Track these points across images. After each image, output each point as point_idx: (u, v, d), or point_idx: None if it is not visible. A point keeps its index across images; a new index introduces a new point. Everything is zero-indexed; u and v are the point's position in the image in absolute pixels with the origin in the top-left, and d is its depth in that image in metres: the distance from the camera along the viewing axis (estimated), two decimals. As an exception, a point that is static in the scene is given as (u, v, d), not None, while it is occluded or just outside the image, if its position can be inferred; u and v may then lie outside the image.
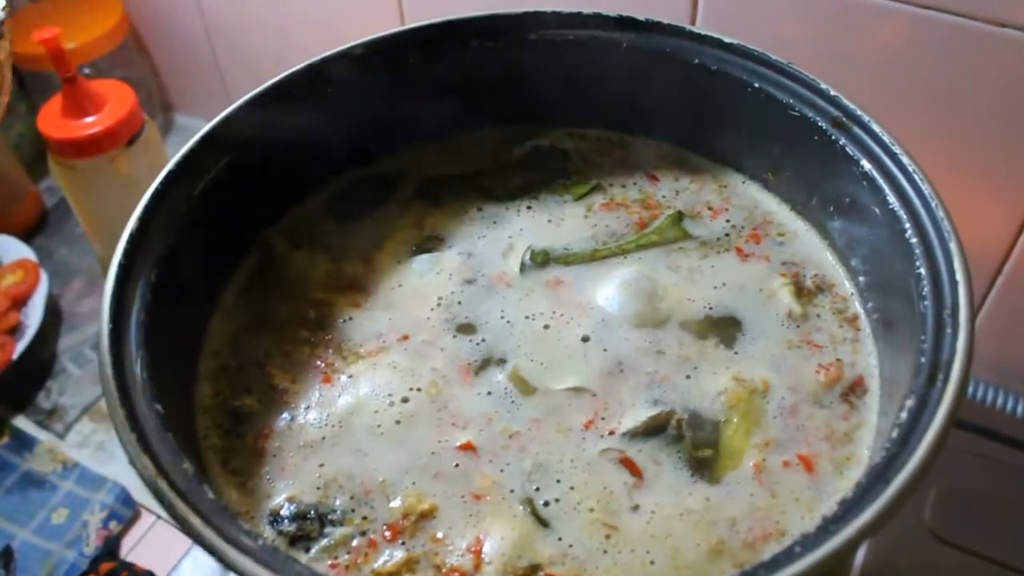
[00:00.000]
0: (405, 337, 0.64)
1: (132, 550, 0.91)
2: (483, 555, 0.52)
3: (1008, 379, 0.93)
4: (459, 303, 0.66)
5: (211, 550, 0.44)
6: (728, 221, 0.71)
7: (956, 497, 0.80)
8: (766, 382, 0.60)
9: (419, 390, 0.61)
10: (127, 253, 0.57)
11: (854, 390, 0.59)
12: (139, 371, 0.52)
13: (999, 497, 0.83)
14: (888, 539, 0.77)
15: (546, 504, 0.55)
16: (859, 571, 0.76)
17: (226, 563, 0.43)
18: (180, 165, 0.62)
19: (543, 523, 0.54)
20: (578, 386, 0.60)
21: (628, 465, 0.56)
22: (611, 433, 0.58)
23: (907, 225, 0.56)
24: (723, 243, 0.69)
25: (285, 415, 0.60)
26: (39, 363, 1.06)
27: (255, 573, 0.43)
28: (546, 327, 0.64)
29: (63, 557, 0.89)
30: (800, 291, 0.65)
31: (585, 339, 0.63)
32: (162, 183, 0.61)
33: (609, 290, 0.65)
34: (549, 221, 0.71)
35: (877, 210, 0.59)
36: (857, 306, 0.64)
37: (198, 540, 0.45)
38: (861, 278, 0.64)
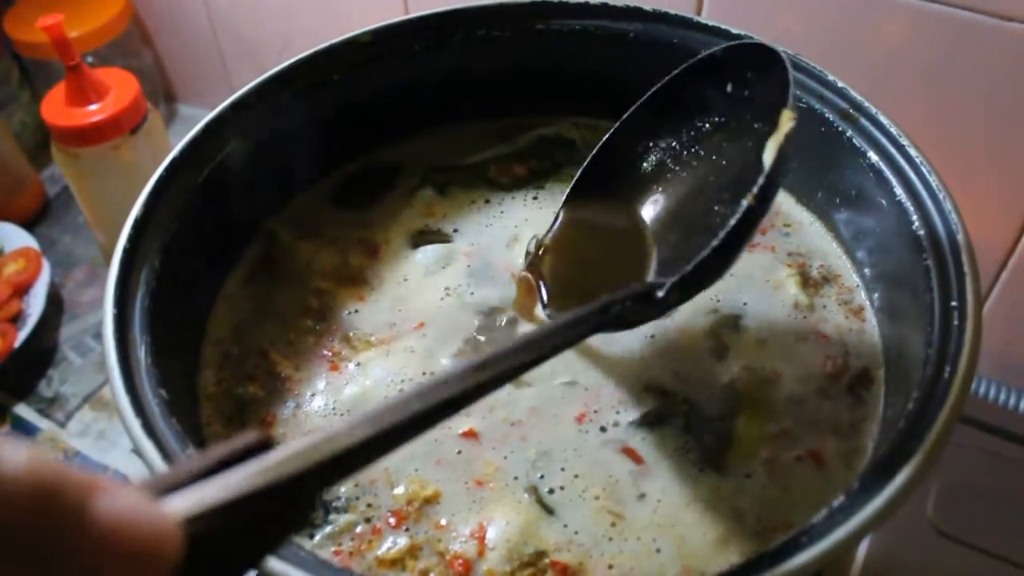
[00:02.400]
0: (419, 326, 0.64)
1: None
2: (487, 541, 0.52)
3: (1010, 375, 0.93)
4: (472, 293, 0.66)
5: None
6: (734, 212, 0.70)
7: (958, 492, 0.80)
8: (776, 372, 0.60)
9: (431, 375, 0.60)
10: (132, 239, 0.57)
11: (860, 382, 0.59)
12: (143, 357, 0.52)
13: (1001, 492, 0.83)
14: (890, 533, 0.77)
15: (551, 492, 0.54)
16: (861, 565, 0.76)
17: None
18: (185, 152, 0.62)
19: (548, 510, 0.54)
20: (583, 374, 0.60)
21: (632, 455, 0.56)
22: (615, 424, 0.58)
23: (914, 217, 0.56)
24: (728, 233, 0.69)
25: (290, 403, 0.60)
26: (41, 352, 1.06)
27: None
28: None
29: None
30: (806, 282, 0.65)
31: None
32: (167, 170, 0.61)
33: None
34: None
35: (884, 202, 0.59)
36: (863, 297, 0.64)
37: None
38: (867, 269, 0.64)
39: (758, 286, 0.65)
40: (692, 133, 0.62)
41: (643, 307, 0.52)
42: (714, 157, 0.60)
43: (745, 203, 0.49)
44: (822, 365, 0.60)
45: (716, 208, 0.56)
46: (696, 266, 0.50)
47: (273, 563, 0.42)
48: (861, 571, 0.75)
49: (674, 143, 0.62)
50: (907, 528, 0.78)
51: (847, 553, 0.71)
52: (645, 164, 0.63)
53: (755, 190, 0.49)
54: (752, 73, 0.57)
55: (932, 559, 0.77)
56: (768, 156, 0.51)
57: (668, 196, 0.62)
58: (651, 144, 0.63)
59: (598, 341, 0.62)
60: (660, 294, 0.51)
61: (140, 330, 0.53)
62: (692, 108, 0.61)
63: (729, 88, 0.59)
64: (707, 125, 0.61)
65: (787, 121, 0.51)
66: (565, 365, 0.61)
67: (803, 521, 0.52)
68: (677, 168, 0.62)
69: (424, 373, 0.61)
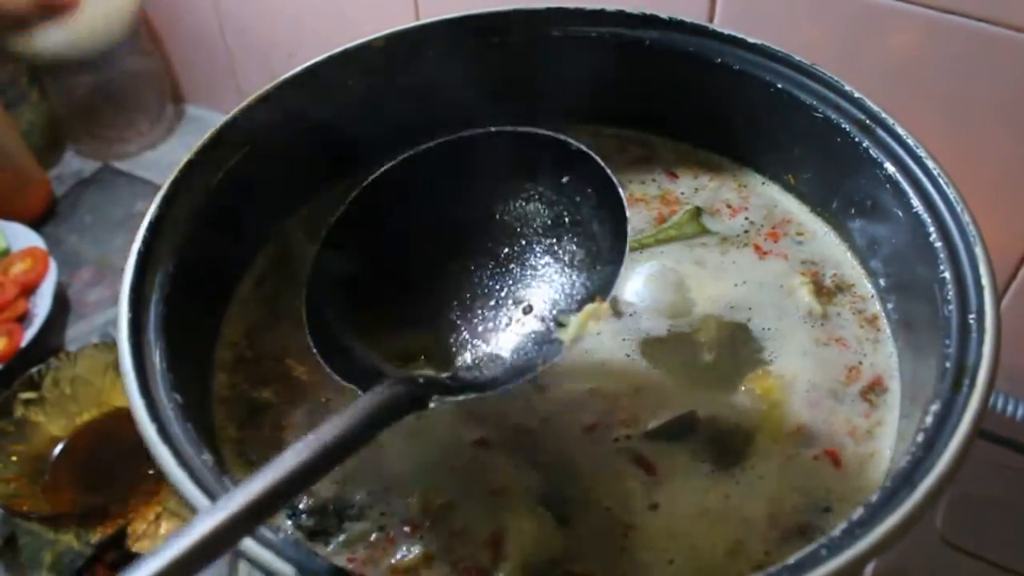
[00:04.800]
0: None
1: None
2: (500, 550, 0.52)
3: (1020, 387, 0.93)
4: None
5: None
6: (747, 219, 0.70)
7: (968, 504, 0.80)
8: (791, 377, 0.60)
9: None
10: (146, 242, 0.56)
11: (873, 389, 0.59)
12: (158, 361, 0.52)
13: (1010, 504, 0.83)
14: (899, 545, 0.76)
15: (564, 501, 0.54)
16: (870, 576, 0.76)
17: (248, 557, 0.43)
18: (200, 154, 0.62)
19: (561, 520, 0.53)
20: (598, 384, 0.60)
21: (644, 465, 0.56)
22: (627, 437, 0.57)
23: (931, 229, 0.56)
24: (742, 239, 0.69)
25: (304, 407, 0.59)
26: (47, 351, 1.06)
27: (277, 567, 0.42)
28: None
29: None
30: (820, 290, 0.65)
31: (608, 331, 0.63)
32: (181, 172, 0.60)
33: (636, 284, 0.65)
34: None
35: (900, 213, 0.59)
36: (877, 307, 0.64)
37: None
38: (881, 280, 0.64)
39: (771, 293, 0.65)
40: (519, 201, 0.59)
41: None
42: (527, 241, 0.58)
43: (538, 371, 0.51)
44: (835, 371, 0.60)
45: (513, 317, 0.56)
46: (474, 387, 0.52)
47: (289, 570, 0.42)
48: (870, 582, 0.75)
49: (505, 202, 0.59)
50: (916, 539, 0.78)
51: (865, 566, 0.71)
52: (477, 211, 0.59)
53: (544, 363, 0.51)
54: (594, 192, 0.55)
55: (941, 570, 0.77)
56: (568, 336, 0.52)
57: (481, 267, 0.59)
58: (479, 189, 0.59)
59: (620, 348, 0.62)
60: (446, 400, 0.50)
61: (155, 334, 0.53)
62: (523, 176, 0.59)
63: (564, 180, 0.57)
64: (532, 202, 0.59)
65: (600, 313, 0.52)
66: (590, 371, 0.61)
67: (818, 521, 0.53)
68: (499, 231, 0.59)
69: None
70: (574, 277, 0.56)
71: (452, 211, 0.59)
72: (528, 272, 0.57)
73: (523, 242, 0.58)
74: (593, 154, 0.55)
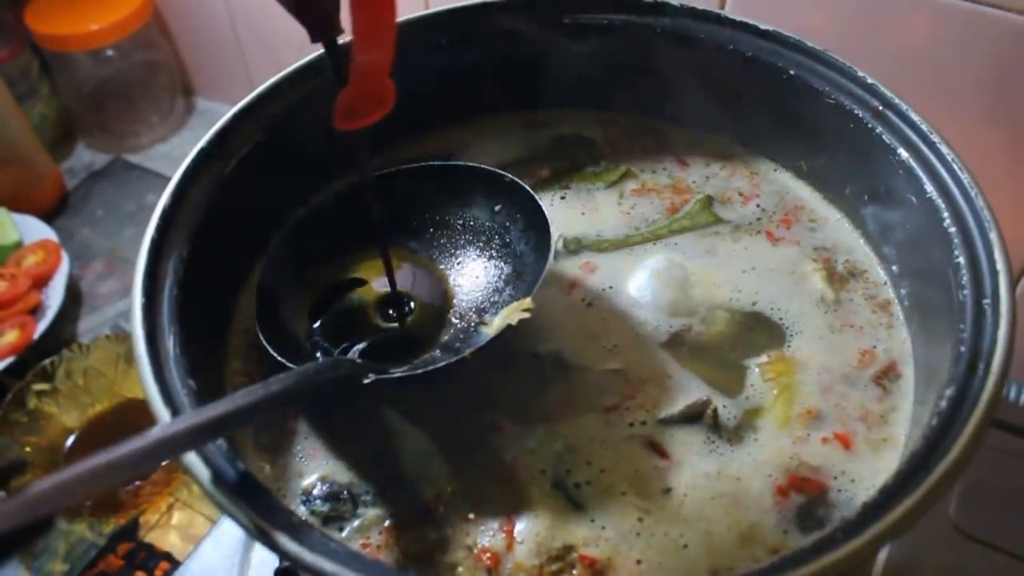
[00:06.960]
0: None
1: (151, 531, 0.91)
2: (515, 535, 0.52)
3: (1034, 375, 0.93)
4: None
5: (246, 527, 0.44)
6: (759, 206, 0.70)
7: (981, 492, 0.80)
8: (805, 363, 0.60)
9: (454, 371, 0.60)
10: (159, 229, 0.57)
11: (887, 374, 0.59)
12: (172, 347, 0.52)
13: (1022, 492, 0.82)
14: (912, 533, 0.76)
15: (577, 486, 0.54)
16: (883, 565, 0.76)
17: (265, 541, 0.43)
18: (213, 142, 0.62)
19: (576, 505, 0.53)
20: (613, 368, 0.60)
21: (658, 449, 0.56)
22: (643, 423, 0.57)
23: (945, 214, 0.56)
24: (754, 226, 0.69)
25: (316, 394, 0.60)
26: (59, 344, 1.06)
27: (293, 551, 0.43)
28: (579, 312, 0.64)
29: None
30: (832, 276, 0.65)
31: (619, 323, 0.63)
32: (194, 161, 0.61)
33: (640, 280, 0.65)
34: (583, 214, 0.71)
35: (914, 199, 0.59)
36: (890, 292, 0.64)
37: (234, 518, 0.44)
38: (894, 266, 0.64)
39: (783, 279, 0.65)
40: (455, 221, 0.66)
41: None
42: (462, 255, 0.65)
43: (465, 353, 0.54)
44: (848, 356, 0.60)
45: (445, 324, 0.61)
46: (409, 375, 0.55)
47: (305, 555, 0.42)
48: (883, 572, 0.75)
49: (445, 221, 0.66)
50: (929, 528, 0.78)
51: (879, 550, 0.71)
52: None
53: (471, 348, 0.55)
54: (522, 216, 0.62)
55: (954, 559, 0.77)
56: (493, 328, 0.57)
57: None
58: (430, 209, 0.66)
59: (626, 333, 0.62)
60: (366, 381, 0.53)
61: (168, 320, 0.53)
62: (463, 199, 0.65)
63: (497, 208, 0.64)
64: (469, 222, 0.65)
65: (524, 306, 0.55)
66: (616, 354, 0.61)
67: (831, 505, 0.53)
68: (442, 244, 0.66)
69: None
70: (501, 288, 0.62)
71: (395, 236, 0.65)
72: (462, 287, 0.63)
73: (458, 263, 0.64)
74: (522, 182, 0.62)
